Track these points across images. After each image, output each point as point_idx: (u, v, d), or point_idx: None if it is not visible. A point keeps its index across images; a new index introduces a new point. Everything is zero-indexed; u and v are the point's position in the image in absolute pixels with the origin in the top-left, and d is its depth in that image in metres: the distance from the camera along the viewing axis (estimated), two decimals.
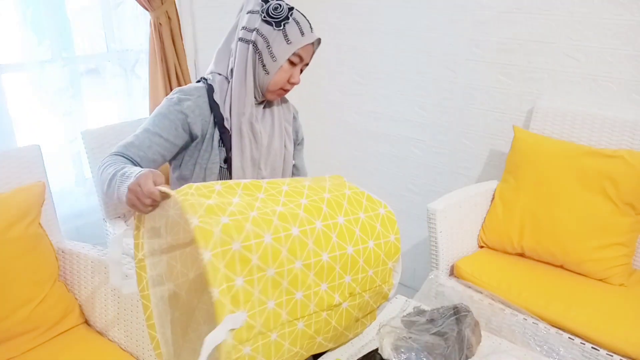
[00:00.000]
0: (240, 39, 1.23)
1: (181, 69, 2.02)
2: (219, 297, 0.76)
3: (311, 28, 1.23)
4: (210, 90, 1.24)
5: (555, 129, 1.69)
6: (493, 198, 1.71)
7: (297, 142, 1.45)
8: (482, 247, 1.70)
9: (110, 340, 1.27)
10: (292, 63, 1.23)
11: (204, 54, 2.19)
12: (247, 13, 1.23)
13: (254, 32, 1.21)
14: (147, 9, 1.88)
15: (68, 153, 1.94)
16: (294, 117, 1.43)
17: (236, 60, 1.24)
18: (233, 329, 0.78)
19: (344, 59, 2.32)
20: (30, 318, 1.19)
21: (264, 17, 1.21)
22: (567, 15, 1.67)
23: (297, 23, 1.20)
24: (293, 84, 1.26)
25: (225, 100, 1.24)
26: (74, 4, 1.87)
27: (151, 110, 2.05)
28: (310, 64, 1.29)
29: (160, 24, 1.91)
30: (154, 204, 0.93)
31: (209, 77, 1.28)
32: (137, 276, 0.98)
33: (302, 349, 0.93)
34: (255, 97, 1.25)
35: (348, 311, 0.97)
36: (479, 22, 1.86)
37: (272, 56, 1.21)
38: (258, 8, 1.22)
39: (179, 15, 1.98)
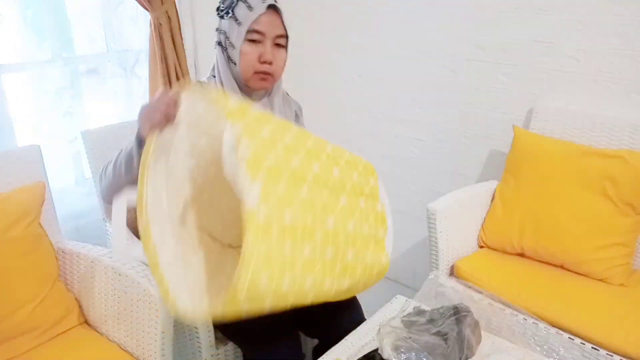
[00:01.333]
0: (215, 45, 1.25)
1: (181, 69, 2.02)
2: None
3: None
4: None
5: (555, 129, 1.69)
6: (493, 198, 1.71)
7: None
8: (482, 247, 1.70)
9: (110, 340, 1.27)
10: (253, 42, 1.18)
11: (204, 54, 2.19)
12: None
13: (216, 33, 1.22)
14: (147, 9, 1.88)
15: (68, 153, 1.94)
16: (297, 115, 1.41)
17: (215, 65, 1.25)
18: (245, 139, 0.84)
19: (344, 59, 2.32)
20: (30, 318, 1.19)
21: (218, 13, 1.21)
22: (567, 15, 1.67)
23: (244, 1, 1.17)
24: (266, 62, 1.19)
25: None
26: (74, 4, 1.87)
27: None
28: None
29: (160, 24, 1.91)
30: (175, 111, 0.96)
31: (205, 80, 1.28)
32: (144, 232, 0.95)
33: (317, 226, 0.92)
34: (244, 95, 1.25)
35: (350, 209, 0.99)
36: (479, 22, 1.86)
37: (232, 45, 1.19)
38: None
39: (179, 15, 1.98)
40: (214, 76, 1.27)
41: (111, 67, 2.03)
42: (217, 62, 1.25)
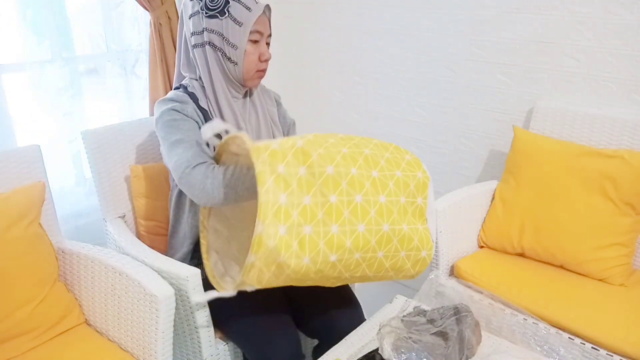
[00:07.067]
0: (194, 46, 1.22)
1: None
2: (261, 169, 0.89)
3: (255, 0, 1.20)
4: (193, 97, 1.24)
5: (555, 129, 1.69)
6: (493, 198, 1.71)
7: (287, 127, 1.43)
8: (482, 247, 1.70)
9: (110, 340, 1.27)
10: (254, 42, 1.20)
11: None
12: (190, 18, 1.22)
13: (205, 33, 1.20)
14: (147, 9, 1.88)
15: (68, 153, 1.94)
16: (278, 104, 1.42)
17: (199, 67, 1.23)
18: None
19: (344, 59, 2.32)
20: (30, 318, 1.19)
21: (206, 13, 1.18)
22: (567, 15, 1.67)
23: (239, 1, 1.17)
24: (266, 61, 1.24)
25: (208, 106, 1.25)
26: (74, 4, 1.87)
27: (151, 110, 2.05)
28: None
29: (160, 24, 1.91)
30: None
31: (188, 83, 1.27)
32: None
33: (340, 261, 0.95)
34: (233, 93, 1.25)
35: (388, 235, 1.01)
36: (479, 22, 1.86)
37: (233, 46, 1.18)
38: (197, 8, 1.20)
39: (179, 15, 1.98)
40: (195, 79, 1.26)
41: (111, 67, 2.03)
42: (205, 63, 1.23)
